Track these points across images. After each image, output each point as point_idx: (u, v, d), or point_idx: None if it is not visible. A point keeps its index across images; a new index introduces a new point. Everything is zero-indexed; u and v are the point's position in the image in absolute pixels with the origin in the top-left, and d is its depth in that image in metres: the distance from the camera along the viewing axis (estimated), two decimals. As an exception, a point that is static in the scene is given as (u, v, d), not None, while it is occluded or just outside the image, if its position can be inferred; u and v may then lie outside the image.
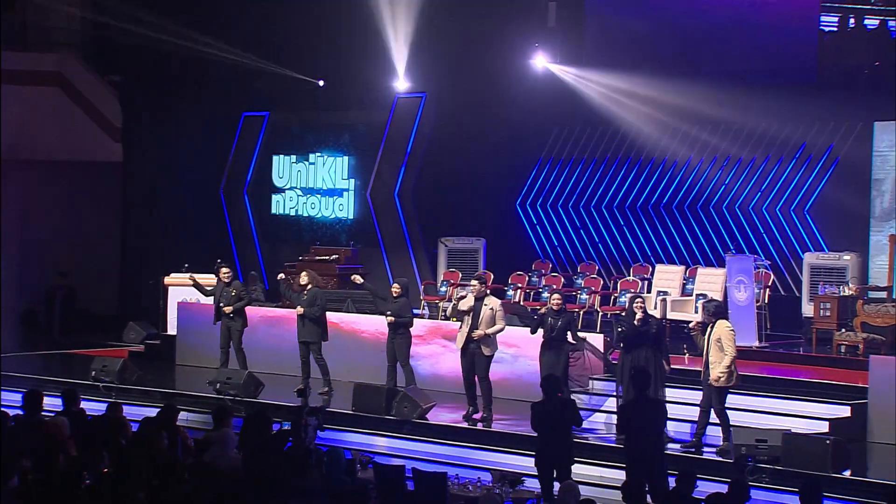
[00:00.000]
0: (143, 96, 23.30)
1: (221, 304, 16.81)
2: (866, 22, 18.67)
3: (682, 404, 14.36)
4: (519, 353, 15.75)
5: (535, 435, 12.29)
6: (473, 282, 14.86)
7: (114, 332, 21.18)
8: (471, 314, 14.49)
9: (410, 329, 15.56)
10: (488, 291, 14.92)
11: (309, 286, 16.23)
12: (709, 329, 13.42)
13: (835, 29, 18.85)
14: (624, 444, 12.09)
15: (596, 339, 15.59)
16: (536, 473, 12.03)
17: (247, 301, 17.04)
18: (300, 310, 16.11)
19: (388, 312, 15.45)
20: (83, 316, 22.82)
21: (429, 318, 18.61)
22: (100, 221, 23.85)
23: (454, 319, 14.91)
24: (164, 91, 23.04)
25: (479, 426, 14.58)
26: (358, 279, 16.20)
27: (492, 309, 14.55)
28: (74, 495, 9.17)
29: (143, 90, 23.31)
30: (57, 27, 22.73)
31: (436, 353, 16.61)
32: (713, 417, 13.45)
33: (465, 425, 14.69)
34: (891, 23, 18.35)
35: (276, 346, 17.82)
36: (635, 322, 13.89)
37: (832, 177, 19.08)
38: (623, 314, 14.67)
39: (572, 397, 13.74)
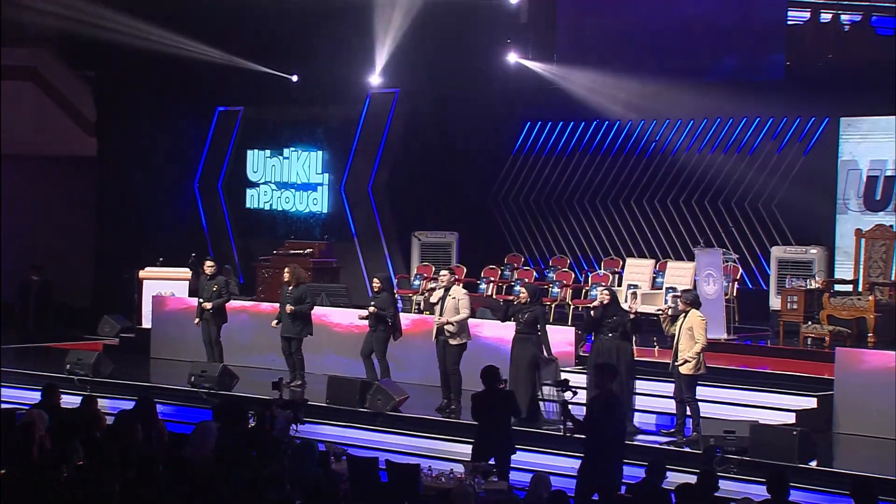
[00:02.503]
0: (118, 91, 23.31)
1: (202, 300, 16.88)
2: (822, 18, 18.87)
3: (651, 396, 14.55)
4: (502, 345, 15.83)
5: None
6: (442, 272, 15.07)
7: (88, 325, 21.22)
8: (438, 305, 14.71)
9: (391, 323, 15.69)
10: (456, 283, 15.11)
11: (293, 283, 16.28)
12: (681, 318, 13.61)
13: (800, 22, 19.02)
14: (584, 435, 12.09)
15: (567, 332, 15.77)
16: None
17: (226, 299, 17.13)
18: (289, 308, 16.10)
19: (372, 304, 15.54)
20: (58, 309, 22.83)
21: (402, 312, 18.72)
22: (74, 215, 23.86)
23: (427, 312, 15.07)
24: (138, 86, 23.05)
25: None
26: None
27: (454, 298, 14.70)
28: (49, 489, 9.25)
29: (117, 85, 23.31)
30: (31, 22, 22.70)
31: (414, 346, 16.68)
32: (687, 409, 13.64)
33: (438, 417, 14.83)
34: (843, 17, 18.58)
35: (250, 340, 17.92)
36: (591, 312, 14.08)
37: (799, 171, 19.31)
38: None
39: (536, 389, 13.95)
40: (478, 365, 14.44)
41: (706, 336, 13.58)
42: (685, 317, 13.55)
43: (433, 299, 14.87)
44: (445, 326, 14.64)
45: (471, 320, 15.10)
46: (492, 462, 11.92)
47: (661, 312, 14.09)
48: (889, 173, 18.23)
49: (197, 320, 17.14)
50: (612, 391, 12.08)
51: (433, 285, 15.05)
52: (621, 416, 12.15)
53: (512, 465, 12.48)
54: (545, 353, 14.44)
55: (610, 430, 11.69)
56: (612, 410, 11.80)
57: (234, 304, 18.23)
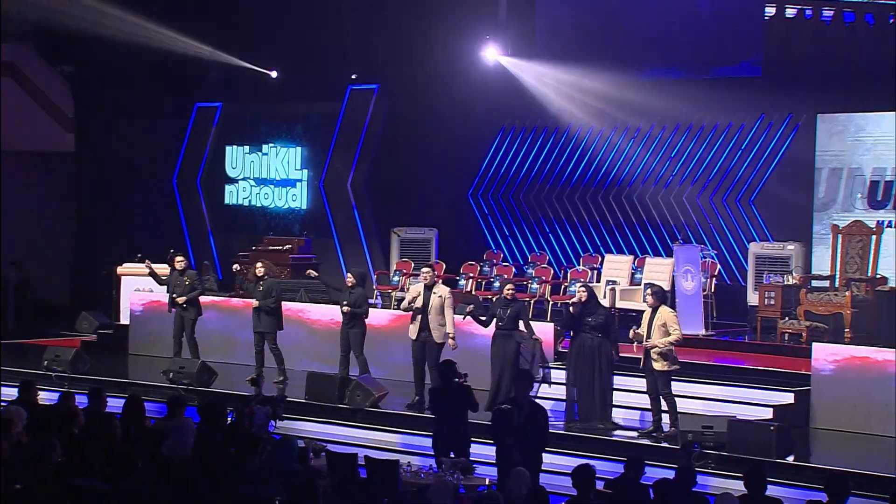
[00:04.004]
0: (96, 86, 23.25)
1: (175, 295, 16.91)
2: (787, 12, 18.94)
3: (631, 391, 14.58)
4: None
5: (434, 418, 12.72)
6: (424, 269, 15.09)
7: (67, 321, 21.15)
8: (422, 304, 14.73)
9: (365, 319, 15.71)
10: (438, 280, 15.15)
11: (264, 277, 16.37)
12: (649, 314, 13.63)
13: (778, 19, 19.09)
14: (499, 445, 11.89)
15: (546, 328, 15.81)
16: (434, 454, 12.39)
17: (200, 291, 17.12)
18: (256, 303, 16.20)
19: (344, 302, 15.58)
20: (36, 306, 22.77)
21: (381, 308, 18.75)
22: (52, 211, 23.79)
23: (404, 310, 15.09)
24: (116, 81, 23.00)
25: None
26: (312, 273, 16.27)
27: (440, 297, 14.75)
28: (24, 486, 9.24)
29: (95, 80, 23.25)
30: (8, 17, 22.60)
31: (394, 342, 16.68)
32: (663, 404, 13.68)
33: (417, 414, 14.83)
34: (808, 12, 18.67)
35: (229, 336, 17.93)
36: (570, 308, 14.12)
37: (777, 168, 19.42)
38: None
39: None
40: (460, 360, 14.51)
41: (681, 329, 13.60)
42: (655, 313, 13.57)
43: (411, 297, 14.85)
44: (433, 326, 14.66)
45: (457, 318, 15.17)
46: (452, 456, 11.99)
47: (633, 338, 13.98)
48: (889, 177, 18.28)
49: (169, 310, 17.16)
50: (533, 400, 12.11)
51: (410, 289, 15.02)
52: (544, 424, 11.97)
53: (493, 462, 12.50)
54: (529, 334, 14.47)
55: (535, 440, 11.60)
56: (536, 420, 11.73)
57: (211, 299, 18.23)
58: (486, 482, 11.74)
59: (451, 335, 14.76)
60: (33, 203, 23.59)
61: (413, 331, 14.88)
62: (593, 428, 13.85)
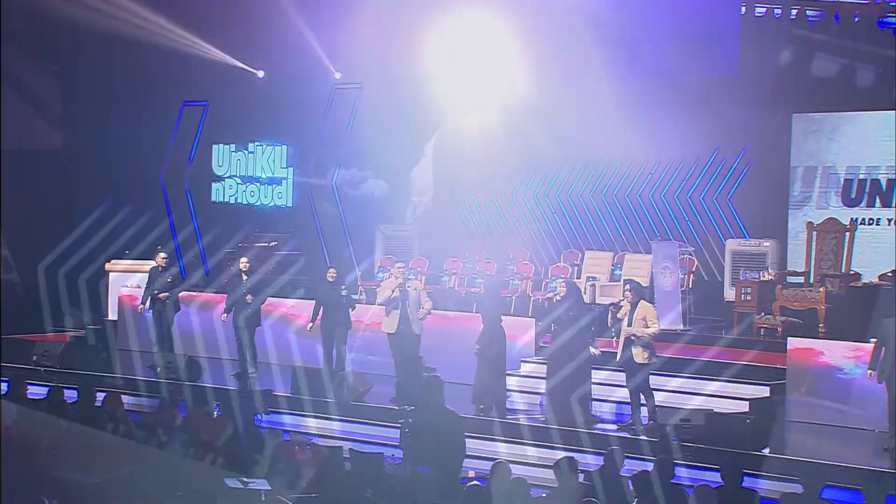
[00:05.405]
0: (83, 85, 23.32)
1: (156, 291, 17.04)
2: (757, 11, 19.13)
3: (610, 385, 14.74)
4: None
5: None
6: (398, 264, 15.34)
7: (55, 317, 21.27)
8: (399, 297, 14.99)
9: (350, 313, 15.93)
10: (422, 276, 15.41)
11: (249, 274, 16.54)
12: (629, 309, 13.82)
13: (753, 17, 19.30)
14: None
15: (528, 324, 16.01)
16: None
17: (180, 288, 17.30)
18: (250, 298, 16.34)
19: (343, 287, 15.78)
20: (24, 302, 22.84)
21: (367, 304, 18.91)
22: (40, 209, 23.85)
23: (378, 304, 15.38)
24: (104, 80, 23.08)
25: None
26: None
27: (416, 290, 15.11)
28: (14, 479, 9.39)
29: (82, 79, 23.33)
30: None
31: (378, 337, 16.85)
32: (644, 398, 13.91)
33: (402, 407, 15.00)
34: (777, 11, 18.89)
35: (213, 331, 18.06)
36: (546, 303, 14.29)
37: (753, 167, 19.59)
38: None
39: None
40: (445, 356, 14.74)
41: (659, 323, 13.84)
42: (635, 308, 13.78)
43: (388, 291, 15.09)
44: (411, 319, 14.93)
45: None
46: None
47: (612, 306, 14.25)
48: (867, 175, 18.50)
49: (141, 307, 17.28)
50: (444, 406, 11.06)
51: (383, 281, 15.30)
52: (454, 430, 10.98)
53: (476, 454, 12.68)
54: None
55: (446, 448, 10.87)
56: (447, 428, 10.95)
57: (197, 295, 18.36)
58: (470, 475, 11.92)
59: (429, 310, 15.09)
60: (21, 201, 23.64)
61: (391, 324, 15.09)
62: (571, 421, 14.02)
